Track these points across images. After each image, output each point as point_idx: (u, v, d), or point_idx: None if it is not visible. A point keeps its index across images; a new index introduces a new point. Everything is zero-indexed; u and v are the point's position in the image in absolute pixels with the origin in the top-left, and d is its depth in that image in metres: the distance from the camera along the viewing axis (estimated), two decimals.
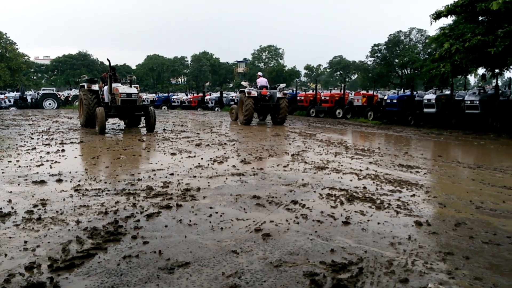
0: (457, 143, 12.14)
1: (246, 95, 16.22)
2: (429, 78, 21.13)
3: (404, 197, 5.19)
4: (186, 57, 78.16)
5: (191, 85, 70.27)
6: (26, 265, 3.02)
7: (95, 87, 13.67)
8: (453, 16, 16.64)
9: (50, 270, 2.97)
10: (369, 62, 53.34)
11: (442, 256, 3.33)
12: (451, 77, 17.23)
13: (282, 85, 17.96)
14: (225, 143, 10.37)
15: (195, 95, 36.93)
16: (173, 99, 36.48)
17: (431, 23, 17.78)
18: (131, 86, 12.93)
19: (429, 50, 46.64)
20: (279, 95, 17.09)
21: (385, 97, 20.36)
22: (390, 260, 3.23)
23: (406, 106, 18.54)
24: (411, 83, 21.73)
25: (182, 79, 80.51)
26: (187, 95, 38.80)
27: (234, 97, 31.52)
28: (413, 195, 5.34)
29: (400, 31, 50.29)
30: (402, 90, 22.99)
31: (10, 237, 3.60)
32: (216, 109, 30.62)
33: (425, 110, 17.31)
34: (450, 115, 16.28)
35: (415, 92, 19.69)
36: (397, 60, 48.66)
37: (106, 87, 13.09)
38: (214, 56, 77.69)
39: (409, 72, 48.25)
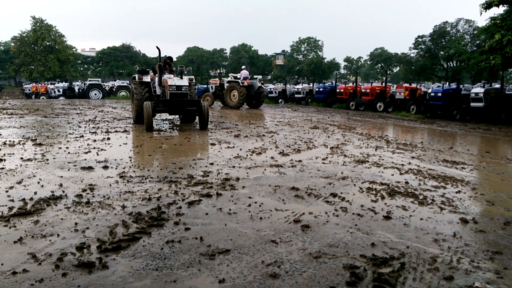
0: (507, 139, 11.54)
1: (240, 84, 20.71)
2: (477, 71, 20.12)
3: (448, 194, 5.02)
4: (225, 49, 78.63)
5: None
6: (77, 245, 3.19)
7: (147, 78, 12.39)
8: (505, 5, 15.72)
9: (99, 251, 3.12)
10: (412, 54, 51.51)
11: (490, 255, 3.21)
12: (501, 69, 16.34)
13: (259, 77, 25.18)
14: (263, 135, 10.40)
15: None
16: None
17: (481, 13, 16.82)
18: (182, 78, 11.45)
19: (477, 42, 44.42)
20: (259, 84, 21.80)
21: (429, 91, 19.60)
22: (433, 256, 3.14)
23: (451, 100, 17.77)
24: (457, 76, 20.77)
25: (221, 71, 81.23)
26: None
27: (272, 89, 31.57)
28: (459, 191, 5.15)
29: (447, 22, 48.14)
30: (447, 83, 22.06)
31: (62, 219, 3.81)
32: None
33: (472, 104, 16.53)
34: (499, 109, 15.46)
35: (461, 86, 18.83)
36: (442, 52, 46.65)
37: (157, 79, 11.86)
38: (252, 48, 77.67)
39: (455, 64, 46.20)
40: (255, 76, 25.44)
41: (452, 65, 46.88)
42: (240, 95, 20.75)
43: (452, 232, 3.68)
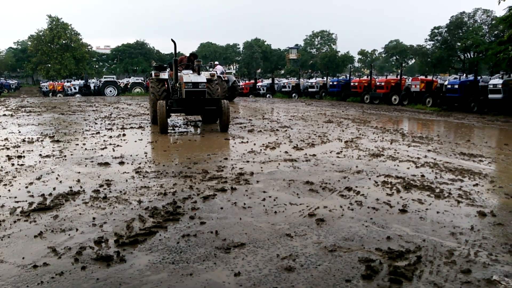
0: None
1: (222, 79, 20.53)
2: (495, 62, 19.72)
3: (466, 187, 4.95)
4: (238, 44, 78.82)
5: (243, 72, 70.79)
6: (95, 239, 3.26)
7: (164, 75, 11.37)
8: None
9: (116, 245, 3.18)
10: (428, 46, 50.80)
11: (509, 248, 3.16)
12: None
13: (233, 71, 28.47)
14: (277, 129, 10.39)
15: (247, 82, 37.19)
16: None
17: (499, 2, 16.47)
18: (199, 74, 10.29)
19: (495, 32, 43.51)
20: (234, 78, 22.72)
21: (446, 83, 19.27)
22: (450, 250, 3.11)
23: (468, 92, 17.45)
24: (475, 67, 20.35)
25: (234, 66, 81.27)
26: (239, 82, 39.18)
27: (285, 84, 31.51)
28: (476, 184, 5.07)
29: (464, 12, 47.29)
30: (464, 75, 21.65)
31: (80, 214, 3.89)
32: (268, 95, 30.68)
33: (490, 96, 16.20)
34: None
35: (479, 77, 18.45)
36: (459, 44, 45.90)
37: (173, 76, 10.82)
38: (265, 43, 77.51)
39: (472, 56, 45.38)
40: (228, 71, 28.25)
41: (469, 57, 46.09)
42: (222, 90, 21.79)
43: (470, 226, 3.64)
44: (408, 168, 5.99)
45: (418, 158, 6.73)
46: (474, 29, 45.74)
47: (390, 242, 3.25)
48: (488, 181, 5.28)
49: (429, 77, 22.25)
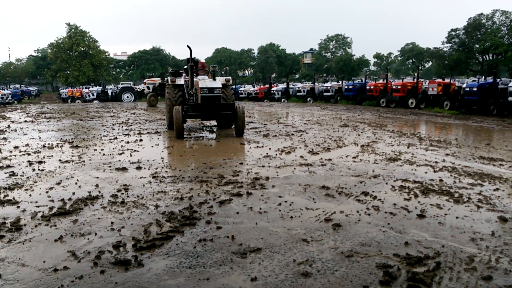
0: None
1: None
2: None
3: (486, 191, 4.85)
4: (253, 49, 78.90)
5: (257, 77, 70.95)
6: (113, 244, 3.30)
7: (181, 81, 11.45)
8: None
9: (134, 249, 3.22)
10: (445, 49, 50.03)
11: None
12: None
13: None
14: (292, 134, 10.37)
15: (261, 86, 37.26)
16: (241, 91, 37.09)
17: None
18: (214, 79, 10.45)
19: None
20: None
21: (464, 85, 18.94)
22: (471, 256, 3.05)
23: (487, 95, 17.11)
24: (494, 69, 19.95)
25: (249, 71, 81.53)
26: (254, 86, 39.26)
27: (300, 88, 31.44)
28: (497, 189, 4.96)
29: (482, 13, 46.37)
30: (483, 77, 21.23)
31: (98, 218, 3.95)
32: (283, 100, 30.66)
33: (510, 98, 15.85)
34: None
35: (498, 79, 18.07)
36: (477, 46, 45.04)
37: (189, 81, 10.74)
38: (280, 48, 77.53)
39: (491, 58, 44.52)
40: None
41: (488, 59, 45.25)
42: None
43: (490, 231, 3.56)
44: (426, 172, 5.90)
45: (436, 162, 6.63)
46: (492, 30, 44.86)
47: (408, 248, 3.21)
48: (509, 185, 5.16)
49: (447, 80, 21.92)
